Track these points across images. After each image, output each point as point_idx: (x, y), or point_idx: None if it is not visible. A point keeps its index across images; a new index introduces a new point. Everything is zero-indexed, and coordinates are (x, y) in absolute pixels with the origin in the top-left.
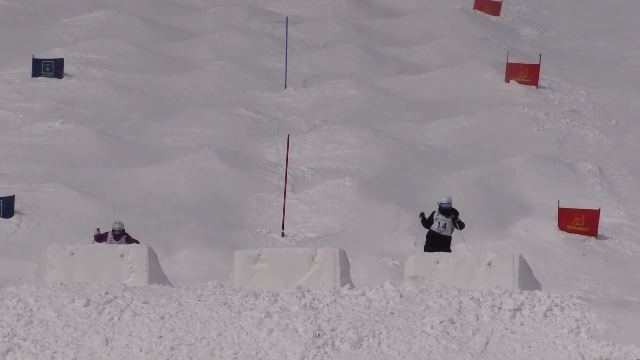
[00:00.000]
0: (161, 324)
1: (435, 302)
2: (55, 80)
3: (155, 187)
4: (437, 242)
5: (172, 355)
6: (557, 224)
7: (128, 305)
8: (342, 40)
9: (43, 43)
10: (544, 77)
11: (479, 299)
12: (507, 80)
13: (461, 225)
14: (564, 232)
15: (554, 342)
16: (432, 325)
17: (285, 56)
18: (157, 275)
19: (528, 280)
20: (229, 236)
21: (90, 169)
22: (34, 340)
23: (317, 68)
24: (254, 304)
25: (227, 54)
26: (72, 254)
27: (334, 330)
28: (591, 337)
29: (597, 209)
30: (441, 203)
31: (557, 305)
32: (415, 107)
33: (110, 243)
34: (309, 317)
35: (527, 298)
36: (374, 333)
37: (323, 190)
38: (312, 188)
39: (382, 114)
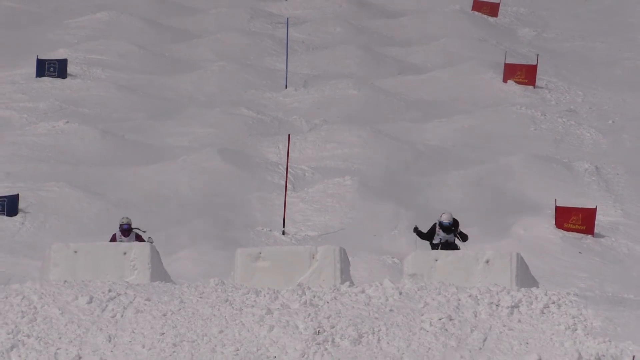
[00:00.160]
0: (163, 320)
1: (433, 300)
2: (59, 81)
3: (158, 186)
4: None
5: (174, 351)
6: (554, 222)
7: (131, 302)
8: (342, 41)
9: (47, 44)
10: (541, 78)
11: (477, 296)
12: (504, 81)
13: (464, 238)
14: (561, 230)
15: (551, 338)
16: (430, 322)
17: (286, 57)
18: (159, 272)
19: (525, 277)
20: (230, 234)
21: (93, 168)
22: (38, 337)
23: (318, 68)
24: (255, 301)
25: (229, 55)
26: (75, 252)
27: (334, 327)
28: (588, 334)
29: (594, 207)
30: (442, 222)
31: (554, 303)
32: (414, 107)
33: (120, 240)
34: (309, 314)
35: (524, 295)
36: (373, 330)
37: (323, 189)
38: (312, 187)
39: (382, 114)
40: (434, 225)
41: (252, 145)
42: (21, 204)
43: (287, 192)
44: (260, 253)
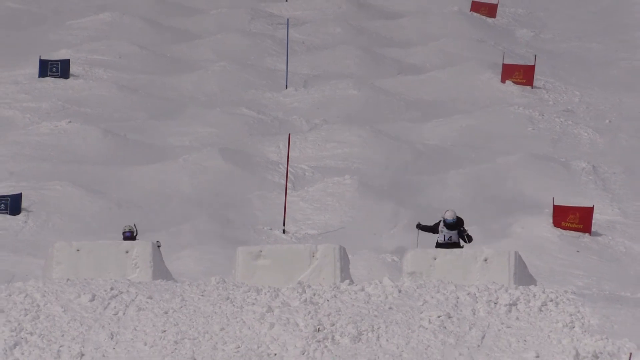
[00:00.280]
0: (165, 318)
1: (432, 297)
2: (61, 81)
3: (159, 185)
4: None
5: (175, 349)
6: (551, 221)
7: (133, 300)
8: (342, 42)
9: (50, 44)
10: (538, 78)
11: (475, 294)
12: (503, 81)
13: (469, 239)
14: (559, 229)
15: (548, 336)
16: (429, 320)
17: (286, 57)
18: (161, 271)
19: (523, 275)
20: (231, 233)
21: (95, 167)
22: (41, 335)
23: (318, 69)
24: (255, 299)
25: (230, 55)
26: (78, 250)
27: (334, 324)
28: (585, 331)
29: (591, 206)
30: (446, 219)
31: (551, 301)
32: (413, 107)
33: None
34: (309, 312)
35: (522, 293)
36: (372, 327)
37: (323, 188)
38: (312, 186)
39: (382, 114)
40: (439, 222)
41: (253, 145)
42: (24, 203)
43: (288, 191)
44: (260, 251)
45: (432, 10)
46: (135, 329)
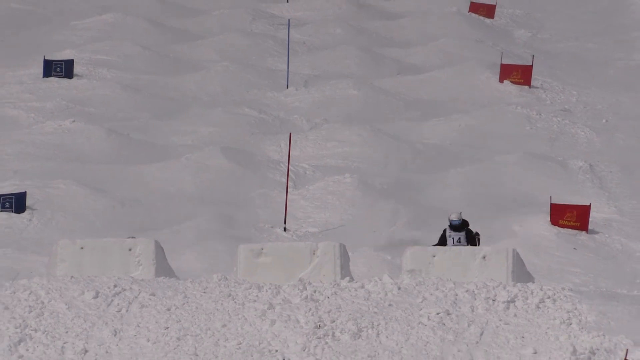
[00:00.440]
0: (168, 315)
1: (431, 295)
2: (65, 81)
3: (162, 183)
4: None
5: (178, 345)
6: (549, 219)
7: (136, 297)
8: (343, 42)
9: (54, 45)
10: (536, 78)
11: (474, 292)
12: (501, 81)
13: (479, 242)
14: (556, 226)
15: (546, 332)
16: (428, 317)
17: (287, 57)
18: (163, 268)
19: (521, 273)
20: (233, 231)
21: (99, 166)
22: (45, 331)
23: (318, 69)
24: (257, 296)
25: (231, 55)
26: (82, 248)
27: (334, 321)
28: (582, 328)
29: (588, 204)
30: (451, 220)
31: (549, 298)
32: (413, 107)
33: None
34: (310, 309)
35: (520, 290)
36: (372, 324)
37: (324, 186)
38: (313, 184)
39: (381, 113)
40: (444, 231)
41: (254, 144)
42: (29, 201)
43: (289, 189)
44: (262, 249)
45: (432, 11)
46: (138, 326)
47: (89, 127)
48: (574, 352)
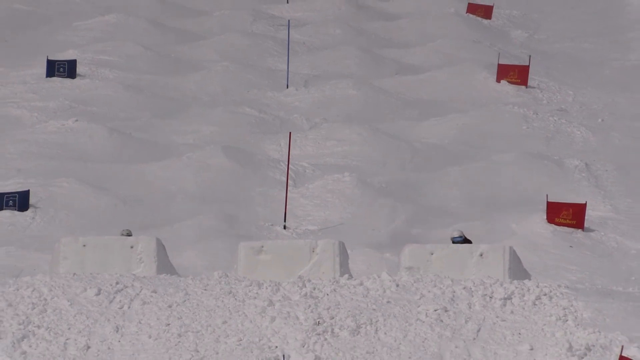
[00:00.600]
0: (169, 312)
1: (429, 292)
2: (68, 81)
3: (164, 182)
4: None
5: (179, 341)
6: (545, 217)
7: (137, 294)
8: (342, 42)
9: (57, 45)
10: (533, 78)
11: (471, 289)
12: (498, 81)
13: None
14: (552, 225)
15: (542, 329)
16: (426, 314)
17: (287, 57)
18: (165, 265)
19: (518, 270)
20: (233, 229)
21: (101, 164)
22: (48, 328)
23: (318, 69)
24: (257, 293)
25: (232, 56)
26: (84, 245)
27: (333, 318)
28: (578, 324)
29: (584, 202)
30: (453, 238)
31: (545, 295)
32: (411, 106)
33: None
34: (309, 306)
35: (517, 287)
36: (371, 321)
37: (323, 185)
38: (312, 183)
39: (380, 113)
40: None
41: (255, 143)
42: (32, 200)
43: (288, 188)
44: (262, 247)
45: (430, 12)
46: (140, 322)
47: (92, 126)
48: (570, 348)
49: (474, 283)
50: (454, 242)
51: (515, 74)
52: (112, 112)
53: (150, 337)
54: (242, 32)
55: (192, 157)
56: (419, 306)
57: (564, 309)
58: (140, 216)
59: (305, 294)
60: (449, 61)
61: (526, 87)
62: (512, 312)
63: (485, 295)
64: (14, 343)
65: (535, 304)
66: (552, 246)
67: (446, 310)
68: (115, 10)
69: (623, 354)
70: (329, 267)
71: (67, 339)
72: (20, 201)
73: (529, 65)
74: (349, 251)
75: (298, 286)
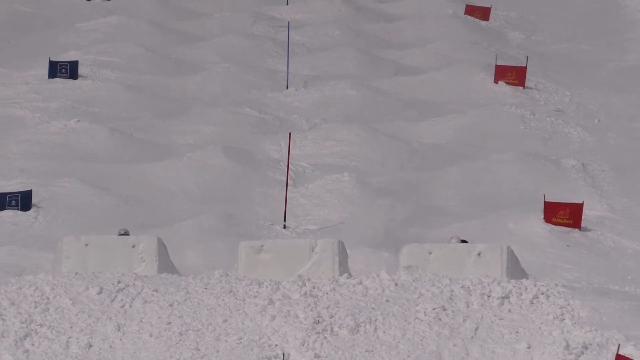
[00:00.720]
0: (170, 310)
1: (428, 291)
2: (70, 81)
3: (164, 181)
4: None
5: (180, 340)
6: (542, 216)
7: (139, 293)
8: (341, 44)
9: (59, 46)
10: (530, 79)
11: (469, 288)
12: (495, 82)
13: None
14: (549, 224)
15: (539, 328)
16: (425, 312)
17: (287, 59)
18: (166, 264)
19: (515, 269)
20: (233, 228)
21: (103, 164)
22: (50, 326)
23: (317, 70)
24: (257, 292)
25: (232, 57)
26: (86, 244)
27: (332, 316)
28: (575, 323)
29: (581, 202)
30: None
31: (542, 293)
32: (410, 107)
33: None
34: (309, 305)
35: (514, 286)
36: (370, 319)
37: (323, 185)
38: (312, 183)
39: (379, 113)
40: None
41: (255, 143)
42: (34, 199)
43: (288, 187)
44: (262, 246)
45: (428, 13)
46: (141, 321)
47: (93, 126)
48: (567, 346)
49: (472, 282)
50: None
51: (512, 75)
52: (113, 112)
53: (151, 335)
54: (242, 34)
55: (192, 157)
56: (417, 305)
57: (561, 307)
58: (142, 216)
59: (305, 293)
60: (447, 62)
61: (523, 88)
62: (509, 310)
63: (483, 294)
64: (17, 341)
65: (532, 303)
66: (549, 245)
67: (444, 309)
68: (117, 12)
69: (620, 353)
70: (329, 266)
71: (69, 338)
72: (23, 201)
73: (526, 67)
74: (348, 250)
75: (298, 285)
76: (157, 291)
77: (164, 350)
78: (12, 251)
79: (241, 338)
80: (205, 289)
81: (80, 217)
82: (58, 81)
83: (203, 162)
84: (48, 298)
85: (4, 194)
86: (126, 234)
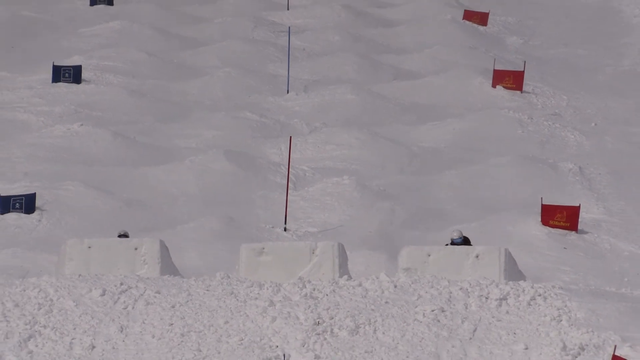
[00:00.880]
0: (172, 312)
1: (426, 292)
2: (74, 86)
3: (167, 185)
4: None
5: (182, 341)
6: (540, 219)
7: (141, 295)
8: (341, 49)
9: (62, 51)
10: (527, 83)
11: (467, 289)
12: (493, 86)
13: None
14: (547, 227)
15: (537, 329)
16: (424, 314)
17: (287, 63)
18: (168, 267)
19: (513, 271)
20: (235, 231)
21: (106, 168)
22: (54, 328)
23: (318, 74)
24: (258, 293)
25: (234, 62)
26: (89, 247)
27: (332, 318)
28: (572, 324)
29: (578, 205)
30: (453, 239)
31: (540, 295)
32: (409, 111)
33: None
34: (309, 306)
35: (512, 288)
36: (369, 321)
37: (323, 188)
38: (312, 186)
39: (378, 117)
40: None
41: (256, 147)
42: (38, 202)
43: (289, 191)
44: (263, 248)
45: (427, 18)
46: (144, 322)
47: (96, 130)
48: (564, 347)
49: (470, 284)
50: (453, 243)
51: (510, 79)
52: (116, 116)
53: (153, 336)
54: (243, 39)
55: (194, 161)
56: (416, 306)
57: (558, 309)
58: (144, 219)
59: (306, 295)
60: (445, 67)
61: (521, 92)
62: (507, 312)
63: (481, 295)
64: (21, 343)
65: (530, 305)
66: (546, 248)
67: (443, 311)
68: (120, 17)
69: (616, 353)
70: (329, 268)
71: (72, 339)
72: (27, 204)
73: (523, 71)
74: (348, 253)
75: (298, 287)
76: (159, 293)
77: (166, 351)
78: (16, 253)
79: (242, 339)
80: (207, 290)
81: (83, 220)
82: (62, 85)
83: (205, 165)
84: (52, 300)
85: (8, 197)
86: (126, 235)
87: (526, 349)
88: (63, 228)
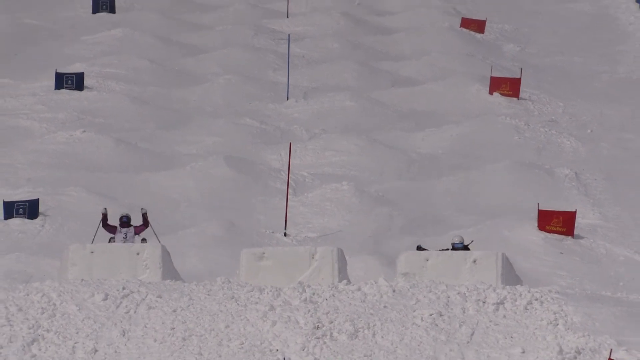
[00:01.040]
0: (173, 316)
1: (425, 297)
2: (76, 93)
3: (168, 191)
4: None
5: (183, 345)
6: (536, 224)
7: (143, 299)
8: (340, 56)
9: (65, 58)
10: (524, 90)
11: (465, 294)
12: (490, 93)
13: None
14: (543, 232)
15: (534, 333)
16: (422, 318)
17: (287, 70)
18: (170, 271)
19: (510, 276)
20: (235, 236)
21: (108, 174)
22: (57, 332)
23: (317, 81)
24: (258, 298)
25: (234, 69)
26: (92, 252)
27: (332, 322)
28: (568, 328)
29: (574, 210)
30: (454, 243)
31: (536, 300)
32: (407, 118)
33: (119, 232)
34: (309, 310)
35: (509, 293)
36: (368, 325)
37: (322, 193)
38: (312, 192)
39: (377, 124)
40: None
41: (256, 153)
42: (41, 208)
43: (289, 196)
44: (263, 253)
45: (425, 26)
46: (146, 327)
47: (99, 137)
48: (560, 351)
49: (468, 288)
50: (454, 248)
51: (507, 86)
52: (118, 123)
53: (155, 340)
54: (243, 46)
55: (195, 167)
56: (414, 311)
57: (555, 313)
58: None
59: (305, 299)
60: (443, 74)
61: (518, 99)
62: (504, 316)
63: (479, 300)
64: (24, 346)
65: (526, 309)
66: (543, 253)
67: (441, 315)
68: (122, 25)
69: (612, 357)
70: (328, 273)
71: (75, 343)
72: (30, 209)
73: (520, 78)
74: (347, 257)
75: (298, 291)
76: (161, 297)
77: (168, 355)
78: (19, 258)
79: (243, 343)
80: (208, 295)
81: (86, 225)
82: (64, 92)
83: (205, 171)
84: (55, 304)
85: (12, 203)
86: (127, 216)
87: (523, 352)
88: (66, 233)
